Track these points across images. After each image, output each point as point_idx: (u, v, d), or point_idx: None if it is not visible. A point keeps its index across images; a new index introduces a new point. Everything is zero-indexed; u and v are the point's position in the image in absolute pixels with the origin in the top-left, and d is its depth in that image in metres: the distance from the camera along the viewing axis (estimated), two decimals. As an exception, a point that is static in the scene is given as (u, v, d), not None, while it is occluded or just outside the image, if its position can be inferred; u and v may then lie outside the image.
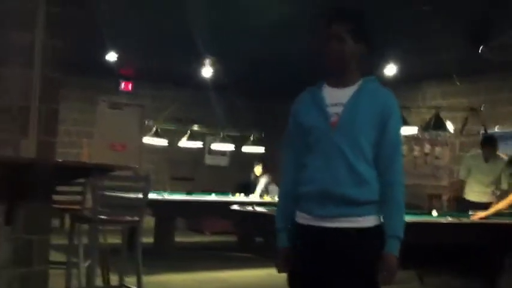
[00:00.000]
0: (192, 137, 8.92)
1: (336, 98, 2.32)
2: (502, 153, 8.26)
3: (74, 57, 9.03)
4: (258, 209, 5.71)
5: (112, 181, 4.73)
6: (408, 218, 5.22)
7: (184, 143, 8.90)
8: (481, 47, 6.80)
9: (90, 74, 10.21)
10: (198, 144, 9.27)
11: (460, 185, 7.05)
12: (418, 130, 7.65)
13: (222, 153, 11.56)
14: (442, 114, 7.15)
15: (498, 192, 6.50)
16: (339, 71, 2.34)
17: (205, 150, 11.27)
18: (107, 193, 4.66)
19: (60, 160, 4.17)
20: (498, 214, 5.78)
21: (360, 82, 2.35)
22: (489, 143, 6.91)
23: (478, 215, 5.67)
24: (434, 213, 6.30)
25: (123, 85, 10.84)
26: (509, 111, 8.78)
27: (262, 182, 8.87)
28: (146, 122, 9.13)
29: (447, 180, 9.54)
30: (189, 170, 11.49)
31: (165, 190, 8.91)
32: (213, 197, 8.42)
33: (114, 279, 4.94)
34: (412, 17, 6.25)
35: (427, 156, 9.95)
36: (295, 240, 2.36)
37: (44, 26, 3.84)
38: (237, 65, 8.81)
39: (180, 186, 10.58)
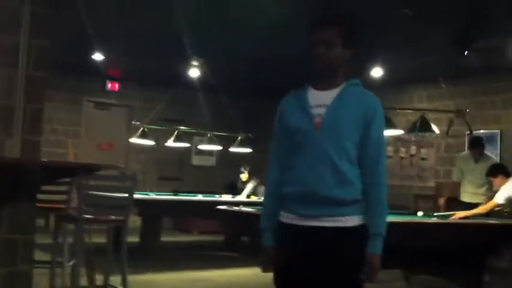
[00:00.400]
0: (179, 137, 8.91)
1: (319, 99, 2.37)
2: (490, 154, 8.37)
3: (60, 57, 9.04)
4: (245, 209, 5.73)
5: (98, 180, 4.73)
6: (394, 219, 5.29)
7: (171, 143, 8.89)
8: (466, 51, 6.87)
9: (77, 74, 10.20)
10: (185, 144, 9.26)
11: (455, 187, 7.10)
12: (404, 132, 7.71)
13: (209, 153, 11.57)
14: (428, 116, 7.20)
15: (490, 194, 6.54)
16: (326, 75, 2.39)
17: (193, 150, 11.28)
18: (93, 192, 4.65)
19: (45, 160, 4.17)
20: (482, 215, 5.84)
21: (343, 85, 2.40)
22: (476, 144, 6.97)
23: (457, 215, 5.72)
24: (420, 213, 6.35)
25: (109, 85, 10.83)
26: (494, 113, 8.88)
27: (249, 187, 8.90)
28: (133, 122, 9.10)
29: (433, 181, 9.62)
30: (176, 170, 11.49)
31: (152, 190, 8.91)
32: (199, 197, 8.43)
33: (99, 278, 4.94)
34: (397, 21, 6.29)
35: (413, 157, 10.03)
36: (279, 239, 2.39)
37: (29, 25, 3.83)
38: (225, 65, 8.82)
39: (167, 186, 10.58)
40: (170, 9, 6.08)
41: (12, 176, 3.49)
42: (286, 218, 2.36)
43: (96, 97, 10.91)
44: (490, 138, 8.82)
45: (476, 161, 6.91)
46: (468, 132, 7.56)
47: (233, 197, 8.59)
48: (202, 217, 8.96)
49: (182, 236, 10.37)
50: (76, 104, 10.70)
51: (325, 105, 2.33)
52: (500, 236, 5.60)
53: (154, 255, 7.31)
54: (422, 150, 9.89)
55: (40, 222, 7.94)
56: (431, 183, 9.63)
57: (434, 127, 7.08)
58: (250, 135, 9.32)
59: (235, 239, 8.65)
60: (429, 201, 8.81)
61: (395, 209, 7.25)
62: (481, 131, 8.84)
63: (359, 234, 2.28)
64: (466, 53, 6.90)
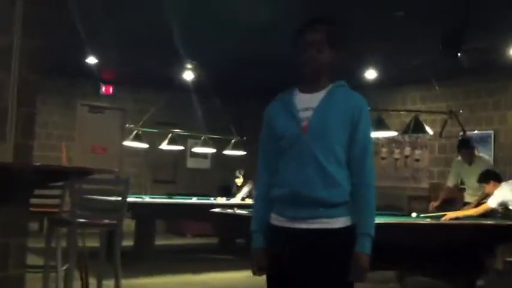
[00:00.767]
0: (173, 140, 8.90)
1: (306, 102, 2.38)
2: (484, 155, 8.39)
3: (54, 60, 9.04)
4: (239, 211, 5.73)
5: (91, 184, 4.73)
6: (388, 220, 5.30)
7: (165, 146, 8.88)
8: (459, 53, 6.89)
9: (71, 77, 10.19)
10: (179, 147, 9.26)
11: (449, 191, 7.10)
12: (398, 133, 7.73)
13: (204, 156, 11.56)
14: (422, 118, 7.22)
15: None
16: (315, 77, 2.40)
17: (187, 153, 11.27)
18: (86, 196, 4.65)
19: (38, 164, 4.15)
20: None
21: (329, 87, 2.41)
22: (464, 146, 6.98)
23: (448, 216, 5.75)
24: (414, 214, 6.36)
25: (103, 88, 10.82)
26: (487, 114, 8.92)
27: (245, 189, 8.89)
28: (127, 125, 9.09)
29: (427, 182, 9.64)
30: (171, 173, 11.49)
31: (146, 193, 8.89)
32: (193, 200, 8.42)
33: (92, 282, 4.91)
34: (390, 23, 6.32)
35: (407, 158, 10.06)
36: (270, 241, 2.40)
37: (22, 27, 3.81)
38: (218, 68, 8.83)
39: (161, 189, 10.57)
40: (163, 12, 6.08)
41: (5, 180, 3.48)
42: (276, 220, 2.38)
43: (90, 100, 10.90)
44: (484, 139, 8.87)
45: (469, 163, 6.92)
46: (461, 133, 7.59)
47: (228, 200, 8.59)
48: (196, 220, 8.95)
49: (176, 239, 10.36)
50: (70, 108, 10.69)
51: (312, 108, 2.35)
52: (494, 237, 5.62)
53: (148, 259, 7.30)
54: (416, 152, 9.92)
55: (34, 226, 7.94)
56: (425, 185, 9.66)
57: (427, 128, 7.11)
58: (244, 138, 9.32)
59: (230, 242, 8.64)
60: (423, 202, 8.83)
61: (390, 210, 7.29)
62: (475, 131, 8.89)
63: (348, 235, 2.29)
64: (458, 55, 6.92)
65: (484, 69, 8.42)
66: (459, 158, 7.22)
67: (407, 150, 10.07)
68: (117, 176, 6.79)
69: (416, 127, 6.80)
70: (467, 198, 6.97)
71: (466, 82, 9.09)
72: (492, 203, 5.80)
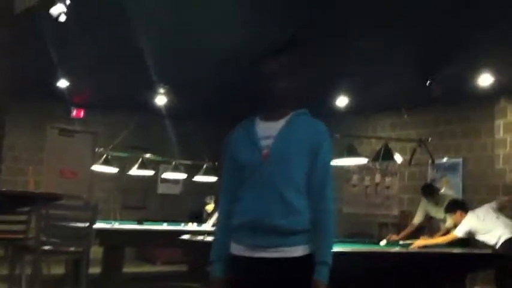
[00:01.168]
0: (143, 165, 8.81)
1: (267, 131, 2.40)
2: (447, 187, 8.49)
3: (24, 83, 8.96)
4: (209, 238, 5.68)
5: (58, 210, 4.65)
6: (357, 248, 5.31)
7: (135, 171, 8.79)
8: (428, 81, 7.01)
9: (42, 100, 10.06)
10: (150, 172, 9.17)
11: (414, 228, 7.14)
12: (369, 160, 7.79)
13: (175, 182, 11.47)
14: (392, 145, 7.30)
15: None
16: (275, 107, 2.43)
17: (158, 178, 11.18)
18: (52, 222, 4.57)
19: (3, 189, 4.08)
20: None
21: (290, 115, 2.43)
22: (428, 193, 7.06)
23: (416, 244, 5.82)
24: (383, 242, 6.39)
25: (74, 112, 10.70)
26: (455, 142, 9.06)
27: (215, 216, 8.82)
28: (97, 149, 8.99)
29: (397, 209, 9.71)
30: (141, 198, 11.36)
31: (115, 219, 8.76)
32: (164, 226, 8.33)
33: (57, 311, 4.82)
34: (361, 51, 6.40)
35: (378, 185, 10.13)
36: (229, 271, 2.39)
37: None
38: (190, 93, 8.83)
39: (131, 214, 10.44)
40: (136, 36, 6.07)
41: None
42: (236, 249, 2.37)
43: (61, 123, 10.75)
44: (453, 167, 8.99)
45: (436, 204, 7.00)
46: (430, 161, 7.67)
47: (198, 226, 8.52)
48: (166, 246, 8.84)
49: (145, 266, 10.20)
50: (39, 131, 10.53)
51: (273, 136, 2.37)
52: (463, 266, 5.67)
53: (116, 287, 7.16)
54: (387, 179, 10.00)
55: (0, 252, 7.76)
56: (395, 212, 9.72)
57: (397, 156, 7.18)
58: (216, 163, 9.28)
59: (199, 269, 8.53)
60: (393, 230, 8.88)
61: (360, 237, 7.31)
62: (444, 159, 9.00)
63: (307, 263, 2.29)
64: (428, 83, 7.04)
65: (453, 98, 8.58)
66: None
67: (377, 178, 10.15)
68: (85, 202, 6.69)
69: (386, 154, 6.86)
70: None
71: (435, 110, 9.24)
72: (459, 232, 5.85)
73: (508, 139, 8.21)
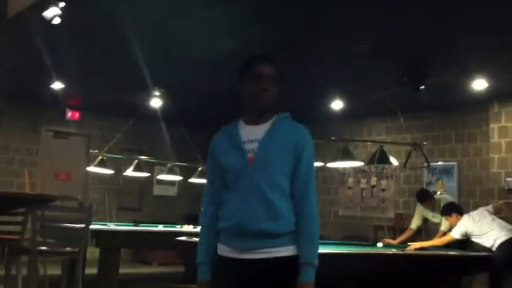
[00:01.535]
0: (139, 167, 8.81)
1: (251, 134, 2.42)
2: (442, 190, 8.51)
3: (19, 86, 8.95)
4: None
5: (53, 211, 4.65)
6: (354, 250, 5.31)
7: (130, 172, 8.78)
8: (421, 87, 7.04)
9: (36, 102, 10.06)
10: (145, 174, 9.17)
11: (411, 233, 7.14)
12: (364, 163, 7.81)
13: (171, 183, 11.47)
14: (387, 149, 7.32)
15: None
16: (263, 110, 2.45)
17: (153, 180, 11.18)
18: (48, 224, 4.56)
19: (-1, 190, 4.07)
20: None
21: (273, 119, 2.46)
22: (422, 199, 7.05)
23: (413, 246, 5.83)
24: (379, 244, 6.40)
25: (69, 114, 10.68)
26: (450, 146, 9.10)
27: None
28: (91, 151, 8.98)
29: (392, 212, 9.73)
30: (137, 200, 11.36)
31: (111, 220, 8.75)
32: (159, 228, 8.32)
33: (53, 312, 4.81)
34: (357, 56, 6.43)
35: (374, 188, 10.15)
36: (217, 272, 2.41)
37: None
38: (185, 96, 8.83)
39: (127, 216, 10.43)
40: (131, 39, 6.08)
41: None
42: (223, 250, 2.39)
43: (56, 126, 10.74)
44: (448, 170, 9.02)
45: (432, 209, 7.00)
46: (425, 164, 7.70)
47: (194, 228, 8.51)
48: (162, 248, 8.83)
49: (141, 267, 10.19)
50: (34, 133, 10.52)
51: (257, 140, 2.39)
52: (459, 268, 5.68)
53: (111, 288, 7.15)
54: (383, 182, 10.03)
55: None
56: (391, 214, 9.74)
57: (392, 159, 7.20)
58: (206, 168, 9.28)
59: (195, 270, 8.52)
60: (389, 232, 8.90)
61: (356, 240, 7.33)
62: (439, 162, 9.04)
63: (292, 264, 2.31)
64: (420, 89, 7.07)
65: (447, 103, 8.63)
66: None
67: (373, 180, 10.17)
68: (80, 203, 6.67)
69: (381, 158, 6.87)
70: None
71: (430, 115, 9.29)
72: (455, 233, 5.88)
73: (503, 143, 8.25)
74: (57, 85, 8.43)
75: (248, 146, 2.39)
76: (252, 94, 2.42)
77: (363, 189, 10.33)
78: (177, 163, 9.34)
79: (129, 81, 8.22)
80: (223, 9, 5.33)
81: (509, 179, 8.06)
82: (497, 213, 6.00)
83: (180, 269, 8.95)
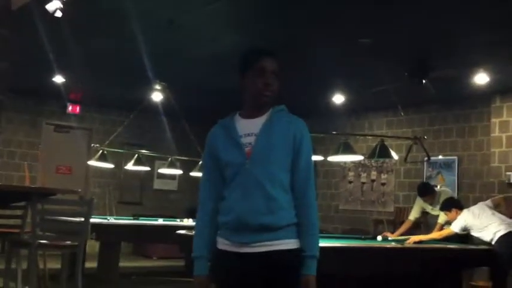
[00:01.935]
0: (139, 161, 8.81)
1: (248, 128, 2.40)
2: (442, 184, 8.51)
3: (21, 79, 8.94)
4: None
5: (53, 205, 4.65)
6: (354, 243, 5.31)
7: (131, 166, 8.78)
8: (424, 80, 7.02)
9: (38, 96, 10.06)
10: (146, 168, 9.17)
11: (410, 225, 7.14)
12: (365, 157, 7.80)
13: (171, 177, 11.47)
14: (387, 143, 7.31)
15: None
16: (265, 104, 2.43)
17: (154, 174, 11.18)
18: (48, 217, 4.56)
19: (-1, 183, 4.08)
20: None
21: (269, 112, 2.44)
22: (423, 192, 7.04)
23: (412, 239, 5.83)
24: (379, 238, 6.40)
25: (70, 108, 10.68)
26: (451, 140, 9.10)
27: None
28: (92, 145, 8.98)
29: (392, 206, 9.73)
30: (137, 194, 11.37)
31: (111, 214, 8.76)
32: (159, 222, 8.33)
33: (53, 305, 4.82)
34: (358, 49, 6.41)
35: (374, 182, 10.15)
36: (216, 266, 2.39)
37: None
38: (186, 90, 8.82)
39: (127, 210, 10.45)
40: (133, 33, 6.07)
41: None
42: (222, 244, 2.37)
43: (57, 120, 10.74)
44: (448, 164, 9.02)
45: (431, 203, 6.98)
46: (426, 158, 7.69)
47: (194, 221, 8.51)
48: (162, 242, 8.84)
49: (141, 261, 10.21)
50: (35, 127, 10.53)
51: (254, 134, 2.37)
52: (459, 261, 5.68)
53: (112, 282, 7.16)
54: (383, 176, 10.02)
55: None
56: (391, 208, 9.75)
57: (393, 153, 7.19)
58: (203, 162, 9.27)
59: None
60: (389, 226, 8.91)
61: (355, 234, 7.33)
62: (440, 157, 9.04)
63: (294, 257, 2.30)
64: (423, 82, 7.05)
65: (448, 97, 8.61)
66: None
67: (373, 175, 10.17)
68: (80, 197, 6.68)
69: (382, 152, 6.86)
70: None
71: (431, 109, 9.28)
72: (455, 227, 5.88)
73: (504, 137, 8.24)
74: (59, 79, 8.43)
75: (245, 140, 2.37)
76: (255, 88, 2.40)
77: (363, 183, 10.33)
78: (177, 157, 9.34)
79: (131, 75, 8.22)
80: (227, 3, 5.31)
81: (510, 173, 8.06)
82: (496, 207, 6.00)
83: (180, 262, 8.95)
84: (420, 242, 5.79)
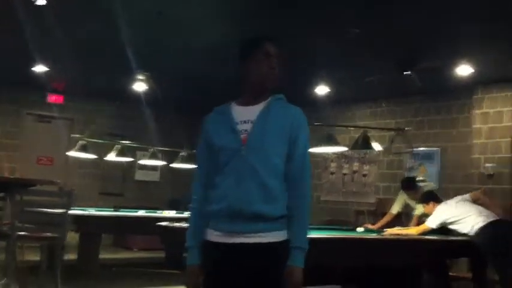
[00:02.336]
0: (121, 152, 8.73)
1: (244, 115, 2.37)
2: (423, 175, 8.55)
3: (0, 68, 8.80)
4: (186, 225, 5.66)
5: (32, 196, 4.59)
6: (333, 234, 5.33)
7: (113, 157, 8.70)
8: (408, 72, 7.04)
9: (18, 85, 9.91)
10: (127, 159, 9.09)
11: (391, 218, 7.16)
12: (348, 149, 7.82)
13: (153, 169, 11.41)
14: (370, 134, 7.32)
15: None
16: (265, 90, 2.41)
17: (136, 165, 11.10)
18: (27, 208, 4.51)
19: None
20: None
21: (268, 100, 2.41)
22: (407, 187, 7.07)
23: (389, 231, 5.88)
24: (360, 229, 6.43)
25: (53, 98, 10.54)
26: (434, 132, 9.14)
27: None
28: (72, 135, 8.89)
29: (373, 197, 9.78)
30: (119, 185, 11.29)
31: (92, 206, 8.68)
32: (140, 213, 8.28)
33: (32, 297, 4.77)
34: (342, 40, 6.41)
35: (355, 173, 10.18)
36: (205, 257, 2.36)
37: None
38: (169, 81, 8.76)
39: (108, 201, 10.37)
40: (116, 22, 6.00)
41: None
42: (212, 235, 2.33)
43: (38, 110, 10.60)
44: (430, 156, 9.07)
45: (414, 199, 6.98)
46: (408, 150, 7.74)
47: (177, 213, 8.47)
48: (142, 233, 8.80)
49: (122, 252, 10.16)
50: (15, 116, 10.38)
51: (251, 121, 2.34)
52: (440, 252, 5.72)
53: (92, 273, 7.12)
54: (365, 167, 10.05)
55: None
56: (372, 199, 9.79)
57: (375, 144, 7.20)
58: (195, 151, 9.24)
59: (176, 256, 8.49)
60: (370, 217, 8.95)
61: (336, 225, 7.35)
62: (421, 148, 9.07)
63: (286, 249, 2.28)
64: (408, 74, 7.06)
65: (432, 89, 8.64)
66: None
67: (356, 166, 10.20)
68: (60, 188, 6.61)
69: (364, 143, 6.87)
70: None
71: (414, 100, 9.30)
72: (431, 223, 5.84)
73: (484, 129, 8.30)
74: (40, 68, 8.30)
75: (241, 127, 2.33)
76: (260, 73, 2.37)
77: (345, 174, 10.35)
78: (159, 148, 9.28)
79: (114, 65, 8.13)
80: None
81: (488, 164, 8.13)
82: (475, 201, 6.03)
83: (161, 254, 8.93)
84: (397, 235, 5.81)
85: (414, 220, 6.62)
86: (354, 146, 7.13)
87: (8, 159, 9.86)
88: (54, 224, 4.63)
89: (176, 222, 6.10)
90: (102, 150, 9.21)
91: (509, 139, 8.02)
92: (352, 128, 9.47)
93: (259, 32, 2.55)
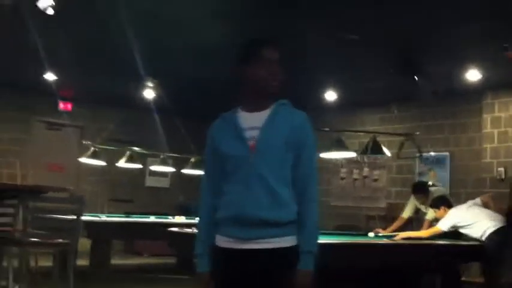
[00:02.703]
0: (131, 158, 8.77)
1: (251, 122, 2.35)
2: (434, 180, 8.51)
3: (11, 76, 8.87)
4: (196, 230, 5.66)
5: (44, 202, 4.62)
6: (345, 240, 5.32)
7: (123, 164, 8.73)
8: (416, 77, 7.03)
9: (28, 93, 9.97)
10: (138, 165, 9.13)
11: (402, 222, 7.15)
12: (357, 154, 7.81)
13: (163, 175, 11.44)
14: (380, 139, 7.31)
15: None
16: (268, 96, 2.39)
17: (146, 171, 11.14)
18: (39, 215, 4.54)
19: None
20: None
21: (273, 106, 2.40)
22: (418, 191, 7.04)
23: (400, 235, 5.87)
24: (371, 234, 6.42)
25: (62, 105, 10.61)
26: (443, 137, 9.12)
27: None
28: (84, 142, 8.93)
29: (384, 202, 9.75)
30: (129, 191, 11.32)
31: (103, 212, 8.72)
32: (151, 219, 8.31)
33: (44, 303, 4.79)
34: (350, 47, 6.41)
35: (366, 178, 10.16)
36: (215, 264, 2.36)
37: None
38: (179, 87, 8.79)
39: (119, 207, 10.40)
40: (124, 30, 6.03)
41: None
42: (222, 241, 2.33)
43: (48, 117, 10.67)
44: (440, 160, 9.05)
45: (423, 203, 6.96)
46: (418, 154, 7.71)
47: (187, 219, 8.49)
48: (153, 239, 8.82)
49: (133, 258, 10.19)
50: (26, 124, 10.44)
51: (258, 127, 2.33)
52: (451, 257, 5.70)
53: (104, 279, 7.15)
54: (375, 172, 10.03)
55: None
56: (383, 204, 9.76)
57: (385, 149, 7.20)
58: (203, 156, 9.25)
59: (187, 261, 8.49)
60: (381, 222, 8.92)
61: (347, 230, 7.34)
62: (431, 153, 9.05)
63: (295, 254, 2.28)
64: (416, 79, 7.06)
65: (440, 93, 8.61)
66: None
67: (366, 171, 10.17)
68: (71, 194, 6.65)
69: (374, 148, 6.87)
70: None
71: (423, 105, 9.26)
72: (443, 226, 5.84)
73: (496, 133, 8.27)
74: (50, 76, 8.37)
75: (249, 134, 2.32)
76: (261, 79, 2.34)
77: (355, 179, 10.33)
78: (169, 154, 9.31)
79: (123, 72, 8.17)
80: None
81: (501, 168, 8.10)
82: (485, 206, 6.01)
83: (172, 260, 8.95)
84: (408, 238, 5.80)
85: (425, 225, 6.60)
86: (364, 151, 7.12)
87: (19, 167, 9.90)
88: (66, 230, 4.65)
89: (187, 227, 6.12)
90: (113, 157, 9.26)
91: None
92: (361, 134, 9.46)
93: (259, 34, 2.51)
